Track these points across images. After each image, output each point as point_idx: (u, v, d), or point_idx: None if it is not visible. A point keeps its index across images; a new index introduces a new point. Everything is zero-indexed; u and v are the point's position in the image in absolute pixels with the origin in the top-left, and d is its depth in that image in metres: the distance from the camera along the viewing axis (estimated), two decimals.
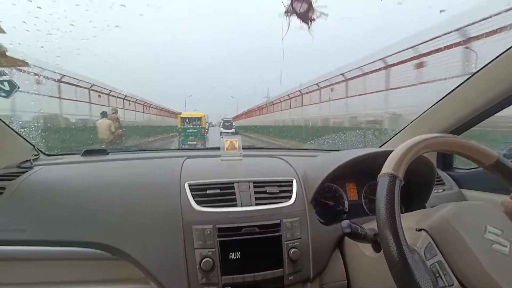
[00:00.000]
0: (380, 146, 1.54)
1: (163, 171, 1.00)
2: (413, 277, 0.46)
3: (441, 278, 0.51)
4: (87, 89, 9.01)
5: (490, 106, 1.04)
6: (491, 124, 1.15)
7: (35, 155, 1.14)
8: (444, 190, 1.21)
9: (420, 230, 0.60)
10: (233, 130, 18.07)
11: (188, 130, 10.88)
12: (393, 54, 6.07)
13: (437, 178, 1.07)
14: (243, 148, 1.19)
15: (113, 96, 10.67)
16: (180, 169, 0.99)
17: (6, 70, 1.20)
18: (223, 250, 0.80)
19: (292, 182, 0.98)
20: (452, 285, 0.50)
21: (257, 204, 0.89)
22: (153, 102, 16.93)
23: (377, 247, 0.71)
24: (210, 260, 0.78)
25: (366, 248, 0.76)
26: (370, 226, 0.75)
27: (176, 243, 0.80)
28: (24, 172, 0.98)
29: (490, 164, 0.64)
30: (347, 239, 0.86)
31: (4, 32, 1.06)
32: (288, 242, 0.85)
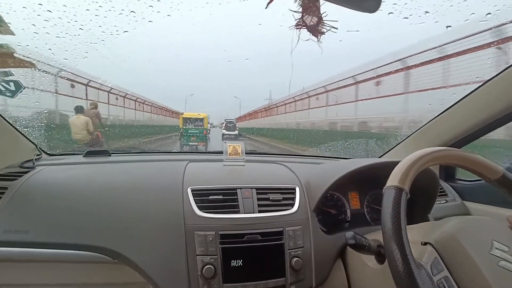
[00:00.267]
0: (380, 156, 1.54)
1: (166, 175, 1.00)
2: None
3: None
4: (84, 85, 8.73)
5: (492, 120, 1.04)
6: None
7: (37, 155, 1.14)
8: (447, 201, 1.20)
9: (425, 244, 0.60)
10: (236, 132, 16.43)
11: (190, 131, 10.80)
12: (413, 55, 5.70)
13: (440, 189, 1.07)
14: (245, 153, 1.19)
15: (112, 93, 10.53)
16: (182, 173, 0.99)
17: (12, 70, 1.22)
18: (225, 258, 0.79)
19: (295, 189, 0.98)
20: None
21: (260, 211, 0.89)
22: (153, 101, 16.22)
23: (380, 258, 0.71)
24: (212, 267, 0.77)
25: (369, 259, 0.75)
26: (373, 237, 0.75)
27: (177, 249, 0.80)
28: (26, 172, 0.99)
29: (495, 179, 0.64)
30: (349, 249, 0.86)
31: (13, 34, 1.07)
32: (291, 250, 0.84)
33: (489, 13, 0.95)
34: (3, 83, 1.21)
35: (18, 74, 1.32)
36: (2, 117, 1.03)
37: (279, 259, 0.83)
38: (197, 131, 10.85)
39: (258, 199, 0.92)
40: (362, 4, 0.48)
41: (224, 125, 16.92)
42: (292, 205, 0.93)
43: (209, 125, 12.22)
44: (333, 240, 0.90)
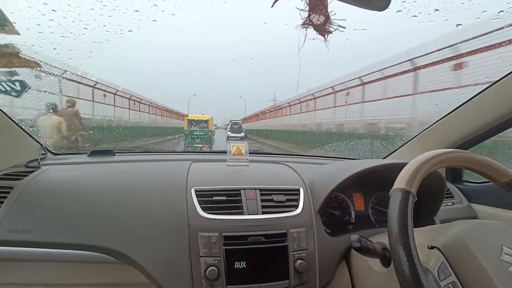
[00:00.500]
0: (385, 157, 1.52)
1: (170, 175, 1.00)
2: None
3: None
4: (91, 87, 8.82)
5: (500, 121, 1.03)
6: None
7: (43, 154, 1.14)
8: (453, 203, 1.19)
9: (432, 247, 0.59)
10: (242, 134, 15.29)
11: (194, 133, 10.83)
12: (423, 55, 5.50)
13: (446, 191, 1.05)
14: (249, 153, 1.18)
15: (118, 95, 10.59)
16: (186, 173, 0.99)
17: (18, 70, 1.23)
18: (229, 259, 0.79)
19: (299, 191, 0.97)
20: None
21: (263, 213, 0.88)
22: (155, 101, 15.69)
23: (386, 262, 0.70)
24: (216, 269, 0.77)
25: (374, 262, 0.74)
26: (378, 239, 0.74)
27: (181, 250, 0.79)
28: (31, 172, 0.99)
29: (506, 182, 0.63)
30: (354, 251, 0.85)
31: (18, 34, 1.08)
32: (295, 253, 0.84)
33: (502, 11, 0.93)
34: (8, 83, 1.22)
35: (23, 74, 1.32)
36: (8, 116, 1.03)
37: (283, 261, 0.82)
38: (201, 133, 10.87)
39: (262, 200, 0.91)
40: (371, 2, 0.47)
41: (229, 126, 16.11)
42: (296, 206, 0.92)
43: (213, 126, 12.23)
44: (337, 242, 0.90)
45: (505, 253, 0.52)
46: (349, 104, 9.27)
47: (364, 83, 8.15)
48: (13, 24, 1.03)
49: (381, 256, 0.67)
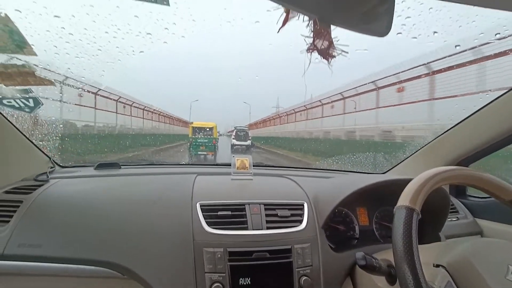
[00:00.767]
0: (387, 171, 1.52)
1: (175, 189, 1.01)
2: None
3: None
4: (94, 94, 8.63)
5: (504, 137, 1.03)
6: None
7: (51, 168, 1.16)
8: (458, 218, 1.18)
9: (438, 266, 0.59)
10: (248, 142, 13.88)
11: (199, 140, 10.83)
12: (438, 59, 5.20)
13: (451, 206, 1.05)
14: (253, 166, 1.19)
15: (121, 102, 10.52)
16: (191, 187, 1.00)
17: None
18: (234, 275, 0.79)
19: (303, 205, 0.97)
20: None
21: (268, 228, 0.88)
22: (158, 108, 15.12)
23: (391, 279, 0.69)
24: (220, 285, 0.77)
25: (379, 280, 0.74)
26: (383, 256, 0.74)
27: (186, 266, 0.79)
28: (40, 186, 1.01)
29: (510, 200, 0.64)
30: (358, 268, 0.85)
31: (35, 55, 1.13)
32: (299, 269, 0.83)
33: (498, 33, 0.96)
34: (23, 100, 1.26)
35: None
36: (19, 130, 1.06)
37: (288, 278, 0.82)
38: (206, 140, 10.89)
39: (266, 215, 0.91)
40: (373, 29, 0.50)
41: (234, 133, 14.61)
42: (301, 221, 0.92)
43: (217, 133, 12.23)
44: (342, 259, 0.89)
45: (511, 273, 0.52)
46: (357, 111, 9.05)
47: (376, 89, 8.04)
48: (32, 46, 1.08)
49: (387, 274, 0.66)
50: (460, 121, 1.15)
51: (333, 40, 0.54)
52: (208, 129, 11.18)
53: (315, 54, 0.58)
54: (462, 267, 0.55)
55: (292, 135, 15.21)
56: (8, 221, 0.87)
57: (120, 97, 10.08)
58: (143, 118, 12.92)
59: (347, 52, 0.55)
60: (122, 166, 1.30)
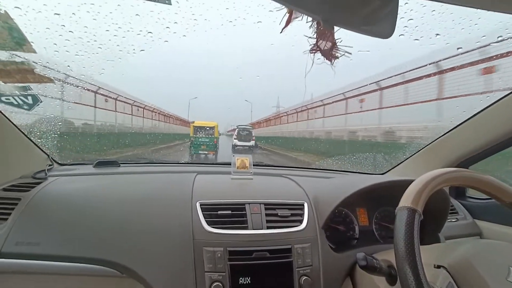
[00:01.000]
0: (386, 171, 1.52)
1: (175, 188, 1.01)
2: None
3: None
4: (93, 93, 8.57)
5: (503, 139, 1.04)
6: None
7: (49, 165, 1.16)
8: (457, 219, 1.18)
9: (439, 267, 0.59)
10: (252, 143, 12.78)
11: (200, 139, 10.85)
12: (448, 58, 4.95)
13: (451, 207, 1.06)
14: (253, 165, 1.19)
15: (120, 101, 10.44)
16: (191, 186, 1.00)
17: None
18: (234, 275, 0.79)
19: (303, 205, 0.97)
20: None
21: (268, 228, 0.88)
22: (157, 107, 14.41)
23: (391, 280, 0.69)
24: (220, 284, 0.77)
25: (380, 280, 0.74)
26: (383, 256, 0.74)
27: (186, 265, 0.79)
28: (39, 183, 1.00)
29: (510, 202, 0.64)
30: (359, 268, 0.85)
31: (35, 52, 1.13)
32: (299, 269, 0.83)
33: (501, 36, 0.96)
34: (21, 97, 1.25)
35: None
36: (18, 127, 1.06)
37: (288, 278, 0.82)
38: (207, 140, 10.91)
39: (267, 215, 0.91)
40: (376, 30, 0.49)
41: (235, 133, 13.36)
42: (301, 221, 0.92)
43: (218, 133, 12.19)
44: (342, 259, 0.89)
45: None
46: (366, 110, 8.83)
47: (381, 88, 7.91)
48: (31, 43, 1.08)
49: (387, 274, 0.67)
50: (460, 123, 1.16)
51: (337, 41, 0.54)
52: (209, 129, 11.19)
53: (318, 55, 0.57)
54: (463, 269, 0.56)
55: (303, 134, 14.52)
56: (6, 219, 0.86)
57: (119, 95, 9.98)
58: (143, 117, 12.81)
59: (350, 53, 0.55)
60: (121, 164, 1.30)
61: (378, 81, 7.65)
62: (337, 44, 0.55)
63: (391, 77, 7.01)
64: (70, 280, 0.89)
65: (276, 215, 0.92)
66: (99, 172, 1.19)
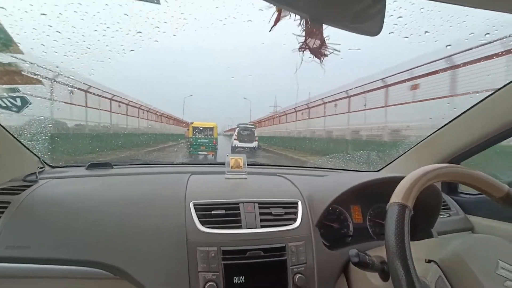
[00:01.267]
0: (381, 169, 1.53)
1: (168, 189, 1.00)
2: None
3: None
4: (84, 92, 8.19)
5: (495, 134, 1.05)
6: None
7: (40, 168, 1.13)
8: (450, 215, 1.20)
9: (430, 261, 0.60)
10: (254, 144, 11.74)
11: (199, 140, 10.77)
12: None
13: (443, 203, 1.07)
14: (247, 165, 1.18)
15: (115, 101, 10.24)
16: (185, 186, 0.99)
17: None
18: (228, 274, 0.79)
19: (297, 204, 0.97)
20: None
21: (262, 226, 0.88)
22: (153, 107, 14.03)
23: (384, 275, 0.70)
24: (214, 284, 0.77)
25: (373, 276, 0.74)
26: (376, 253, 0.74)
27: (180, 265, 0.79)
28: (29, 186, 0.98)
29: (500, 197, 0.65)
30: (352, 265, 0.86)
31: (22, 53, 1.11)
32: (293, 267, 0.83)
33: (488, 33, 0.98)
34: (10, 99, 1.23)
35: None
36: (6, 130, 1.04)
37: (282, 276, 0.82)
38: (206, 140, 10.83)
39: (261, 214, 0.91)
40: (364, 28, 0.50)
41: (236, 133, 12.21)
42: (295, 219, 0.92)
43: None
44: (336, 256, 0.90)
45: (501, 268, 0.53)
46: (370, 109, 8.68)
47: (387, 85, 7.77)
48: (18, 44, 1.06)
49: (380, 270, 0.67)
50: (451, 119, 1.17)
51: (325, 39, 0.54)
52: (208, 129, 11.14)
53: (308, 53, 0.57)
54: (454, 263, 0.56)
55: (292, 134, 14.25)
56: None
57: (114, 95, 9.83)
58: (138, 117, 12.64)
59: (339, 51, 0.55)
60: (114, 166, 1.28)
61: (383, 78, 7.62)
62: (326, 42, 0.55)
63: (394, 75, 7.03)
64: (62, 283, 0.87)
65: (270, 213, 0.92)
66: (92, 174, 1.17)
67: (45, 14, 1.12)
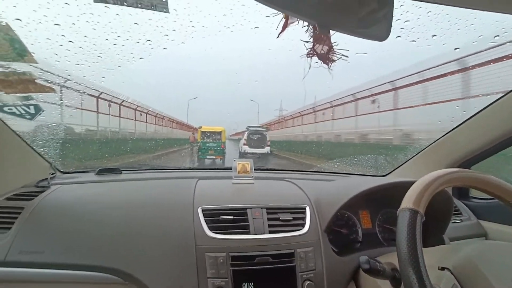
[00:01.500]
0: (388, 173, 1.51)
1: (176, 194, 1.01)
2: None
3: None
4: (95, 98, 8.30)
5: (505, 138, 1.03)
6: None
7: (52, 173, 1.16)
8: (461, 220, 1.17)
9: (443, 269, 0.58)
10: (267, 150, 11.07)
11: (207, 144, 10.84)
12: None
13: (454, 208, 1.05)
14: (254, 169, 1.19)
15: (124, 106, 10.20)
16: (193, 192, 1.00)
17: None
18: (236, 280, 0.79)
19: (305, 209, 0.97)
20: None
21: (270, 232, 0.88)
22: (159, 111, 14.12)
23: (395, 283, 0.69)
24: None
25: (384, 283, 0.73)
26: (387, 259, 0.73)
27: (188, 271, 0.79)
28: (41, 192, 1.01)
29: None
30: (362, 271, 0.84)
31: (36, 63, 1.15)
32: (303, 273, 0.83)
33: (497, 36, 0.97)
34: (23, 107, 1.26)
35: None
36: (20, 136, 1.07)
37: (291, 283, 0.82)
38: (215, 145, 10.91)
39: (268, 219, 0.91)
40: (372, 33, 0.50)
41: (245, 137, 11.49)
42: (303, 225, 0.92)
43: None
44: (345, 262, 0.89)
45: None
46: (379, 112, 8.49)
47: (396, 88, 7.72)
48: (32, 54, 1.09)
49: (391, 278, 0.66)
50: (461, 123, 1.15)
51: (333, 44, 0.54)
52: (216, 133, 11.23)
53: (315, 59, 0.58)
54: (468, 270, 0.55)
55: (294, 138, 13.82)
56: (9, 228, 0.87)
57: (124, 100, 9.97)
58: (146, 122, 12.80)
59: (347, 56, 0.55)
60: (123, 171, 1.30)
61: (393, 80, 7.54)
62: (334, 47, 0.55)
63: (404, 77, 6.96)
64: None
65: (278, 219, 0.92)
66: (101, 180, 1.20)
67: (59, 25, 1.16)
